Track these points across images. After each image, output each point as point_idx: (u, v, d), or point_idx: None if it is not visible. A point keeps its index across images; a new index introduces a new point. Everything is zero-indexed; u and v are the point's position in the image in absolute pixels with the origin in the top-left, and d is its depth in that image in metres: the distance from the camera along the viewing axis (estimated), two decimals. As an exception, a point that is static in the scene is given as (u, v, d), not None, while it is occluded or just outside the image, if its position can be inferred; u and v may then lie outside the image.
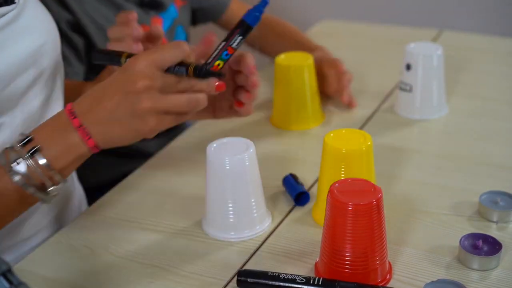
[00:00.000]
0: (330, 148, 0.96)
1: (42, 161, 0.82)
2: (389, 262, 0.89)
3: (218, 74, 0.88)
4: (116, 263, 0.94)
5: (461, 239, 0.91)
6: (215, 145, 0.97)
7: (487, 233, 0.92)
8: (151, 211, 1.06)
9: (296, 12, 2.54)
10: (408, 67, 1.27)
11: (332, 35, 1.76)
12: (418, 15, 2.34)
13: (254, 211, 0.97)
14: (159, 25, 1.12)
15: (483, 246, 0.90)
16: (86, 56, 1.31)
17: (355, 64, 1.59)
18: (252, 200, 0.97)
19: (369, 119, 1.31)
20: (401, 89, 1.30)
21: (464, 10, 2.25)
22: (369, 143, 0.96)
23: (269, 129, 1.30)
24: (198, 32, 1.66)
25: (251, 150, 0.96)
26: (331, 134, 0.98)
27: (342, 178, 0.93)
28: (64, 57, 1.23)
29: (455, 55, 1.54)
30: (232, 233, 0.97)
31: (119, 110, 0.82)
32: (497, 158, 1.16)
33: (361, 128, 1.28)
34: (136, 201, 1.09)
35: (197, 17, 1.58)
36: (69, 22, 1.27)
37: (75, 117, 0.83)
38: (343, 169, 0.95)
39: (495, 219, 0.98)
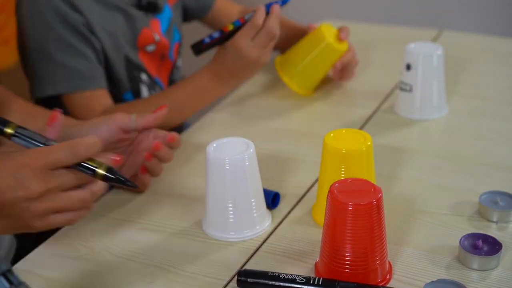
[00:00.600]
0: (330, 148, 0.96)
1: None
2: (389, 262, 0.89)
3: (129, 184, 0.82)
4: (116, 263, 0.94)
5: (461, 239, 0.91)
6: (215, 145, 0.97)
7: (487, 233, 0.92)
8: (151, 211, 1.06)
9: (297, 11, 2.54)
10: (408, 67, 1.27)
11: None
12: (418, 15, 2.34)
13: (254, 211, 0.97)
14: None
15: (483, 246, 0.90)
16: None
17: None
18: (252, 200, 0.97)
19: (369, 119, 1.31)
20: (401, 89, 1.30)
21: (464, 10, 2.25)
22: (369, 143, 0.96)
23: (267, 129, 1.30)
24: (189, 30, 1.67)
25: (251, 150, 0.95)
26: (331, 134, 0.98)
27: (342, 178, 0.93)
28: (86, 57, 1.28)
29: (455, 55, 1.54)
30: (232, 233, 0.97)
31: (4, 211, 0.78)
32: (497, 158, 1.16)
33: (361, 128, 1.28)
34: (136, 201, 1.09)
35: (185, 15, 1.59)
36: (85, 26, 1.28)
37: None
38: (343, 169, 0.95)
39: (495, 219, 0.98)
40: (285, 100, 1.42)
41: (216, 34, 1.29)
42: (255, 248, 0.95)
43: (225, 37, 1.29)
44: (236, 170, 0.94)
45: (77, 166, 0.79)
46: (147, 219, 1.04)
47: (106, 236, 1.00)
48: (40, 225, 0.79)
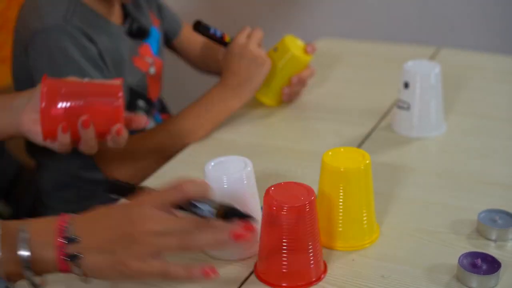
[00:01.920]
0: (329, 167, 0.96)
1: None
2: (324, 262, 0.93)
3: (248, 217, 0.82)
4: (116, 282, 0.94)
5: (460, 258, 0.90)
6: (212, 163, 0.97)
7: (486, 252, 0.92)
8: (149, 229, 1.05)
9: (295, 30, 2.55)
10: (406, 85, 1.27)
11: (330, 53, 1.76)
12: (416, 33, 2.35)
13: (253, 229, 0.97)
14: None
15: (482, 264, 0.89)
16: None
17: (353, 82, 1.59)
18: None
19: (367, 137, 1.31)
20: (399, 107, 1.30)
21: (462, 28, 2.26)
22: (367, 161, 0.96)
23: (266, 147, 1.30)
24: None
25: (249, 169, 0.96)
26: (330, 153, 0.98)
27: (340, 197, 0.94)
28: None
29: (453, 73, 1.54)
30: (231, 251, 0.97)
31: (112, 247, 0.78)
32: (495, 176, 1.16)
33: (359, 146, 1.28)
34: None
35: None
36: (100, 57, 1.29)
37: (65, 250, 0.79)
38: (341, 188, 0.95)
39: (493, 238, 0.97)
40: (283, 119, 1.42)
41: (218, 33, 1.36)
42: (253, 266, 0.95)
43: (220, 43, 1.36)
44: (234, 188, 0.94)
45: (193, 206, 0.81)
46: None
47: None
48: (138, 266, 0.78)
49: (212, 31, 1.37)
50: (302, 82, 1.44)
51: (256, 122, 1.42)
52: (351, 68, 1.67)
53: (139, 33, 1.42)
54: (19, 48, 1.29)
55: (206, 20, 1.39)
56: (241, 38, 1.35)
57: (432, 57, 1.69)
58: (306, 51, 1.41)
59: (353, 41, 1.90)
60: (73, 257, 0.78)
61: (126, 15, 1.42)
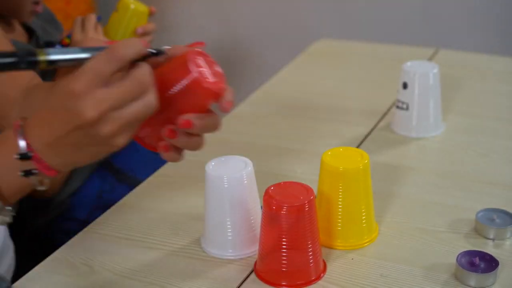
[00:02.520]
0: (328, 167, 0.96)
1: None
2: (324, 261, 0.94)
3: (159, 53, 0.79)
4: (115, 281, 0.95)
5: (458, 256, 0.91)
6: (213, 163, 0.98)
7: (484, 250, 0.93)
8: (150, 229, 1.06)
9: (294, 31, 2.55)
10: (405, 85, 1.28)
11: (329, 54, 1.77)
12: (415, 34, 2.35)
13: (252, 229, 0.98)
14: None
15: (480, 263, 0.90)
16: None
17: (353, 82, 1.60)
18: (251, 217, 0.97)
19: (366, 137, 1.32)
20: (398, 107, 1.31)
21: (461, 29, 2.26)
22: (366, 161, 0.96)
23: (265, 147, 1.31)
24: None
25: (249, 169, 0.96)
26: (329, 153, 0.98)
27: (340, 197, 0.94)
28: None
29: (452, 73, 1.55)
30: (231, 250, 0.97)
31: (79, 143, 0.76)
32: (493, 175, 1.16)
33: (358, 146, 1.28)
34: (135, 219, 1.09)
35: None
36: None
37: (32, 151, 0.77)
38: (340, 188, 0.96)
39: (491, 236, 0.98)
40: (283, 119, 1.43)
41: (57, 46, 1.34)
42: (253, 265, 0.96)
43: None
44: (234, 188, 0.95)
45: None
46: (146, 237, 1.04)
47: (105, 254, 1.00)
48: (121, 142, 0.76)
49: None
50: (148, 34, 1.51)
51: (256, 122, 1.42)
52: (351, 69, 1.68)
53: (49, 46, 1.42)
54: None
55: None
56: (77, 34, 1.36)
57: (431, 58, 1.70)
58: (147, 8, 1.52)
59: (353, 42, 1.91)
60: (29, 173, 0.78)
61: (30, 32, 1.41)
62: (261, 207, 0.92)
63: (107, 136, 0.74)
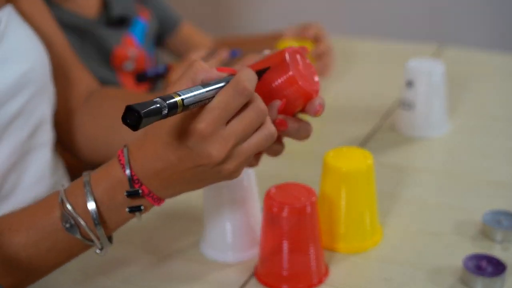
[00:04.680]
0: (330, 167, 0.95)
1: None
2: (326, 264, 0.92)
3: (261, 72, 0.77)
4: (111, 286, 0.93)
5: (464, 260, 0.89)
6: (212, 164, 0.96)
7: (491, 253, 0.90)
8: (148, 231, 1.04)
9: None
10: (409, 84, 1.26)
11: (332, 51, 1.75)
12: (418, 30, 2.34)
13: (253, 231, 0.96)
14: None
15: (487, 267, 0.88)
16: None
17: (355, 80, 1.58)
18: (251, 220, 0.96)
19: (369, 136, 1.30)
20: (402, 106, 1.29)
21: (466, 25, 2.25)
22: (369, 161, 0.95)
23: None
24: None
25: (249, 170, 0.95)
26: (331, 153, 0.97)
27: (342, 198, 0.92)
28: None
29: (457, 71, 1.53)
30: (230, 254, 0.96)
31: (196, 177, 0.75)
32: (500, 176, 1.14)
33: (361, 146, 1.26)
34: (132, 222, 1.07)
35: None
36: None
37: (141, 185, 0.76)
38: (343, 189, 0.94)
39: (498, 239, 0.96)
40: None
41: (161, 69, 1.26)
42: (253, 269, 0.94)
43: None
44: (234, 190, 0.93)
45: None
46: (143, 240, 1.02)
47: (101, 259, 0.98)
48: (238, 175, 0.77)
49: (152, 73, 1.26)
50: (324, 54, 1.44)
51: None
52: (354, 67, 1.66)
53: (120, 22, 1.39)
54: None
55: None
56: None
57: (435, 55, 1.68)
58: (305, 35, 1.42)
59: (356, 40, 1.89)
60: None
61: (105, 2, 1.38)
62: (262, 209, 0.90)
63: (229, 172, 0.74)
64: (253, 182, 0.95)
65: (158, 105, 0.65)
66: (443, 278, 0.89)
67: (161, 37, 1.57)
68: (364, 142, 1.28)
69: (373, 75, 1.62)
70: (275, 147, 0.86)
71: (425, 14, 2.36)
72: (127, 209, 0.78)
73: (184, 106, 0.68)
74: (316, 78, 0.82)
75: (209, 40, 1.61)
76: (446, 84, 1.28)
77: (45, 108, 1.02)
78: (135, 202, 0.78)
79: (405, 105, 1.28)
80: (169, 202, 1.11)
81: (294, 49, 0.80)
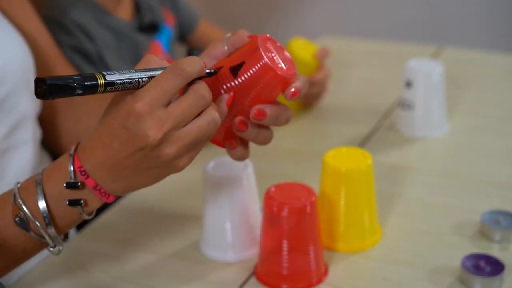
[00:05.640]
0: (330, 167, 0.95)
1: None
2: (325, 264, 0.92)
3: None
4: (112, 285, 0.93)
5: (463, 260, 0.89)
6: (212, 164, 0.96)
7: (489, 253, 0.91)
8: (148, 231, 1.05)
9: (296, 28, 2.54)
10: (408, 84, 1.26)
11: (331, 52, 1.75)
12: (418, 30, 2.34)
13: (253, 230, 0.96)
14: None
15: (486, 266, 0.88)
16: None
17: (355, 80, 1.58)
18: (251, 219, 0.96)
19: (369, 136, 1.30)
20: (401, 106, 1.29)
21: (465, 25, 2.25)
22: (369, 161, 0.95)
23: (266, 147, 1.29)
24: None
25: (249, 169, 0.95)
26: (331, 153, 0.97)
27: (342, 198, 0.93)
28: None
29: (456, 71, 1.53)
30: (230, 253, 0.96)
31: (139, 166, 0.73)
32: (499, 176, 1.14)
33: (361, 146, 1.26)
34: (132, 222, 1.08)
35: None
36: (73, 47, 1.26)
37: (88, 177, 0.74)
38: (343, 189, 0.94)
39: (497, 239, 0.96)
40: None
41: None
42: (253, 268, 0.94)
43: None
44: (233, 189, 0.93)
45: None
46: (144, 239, 1.03)
47: (101, 257, 0.99)
48: (184, 163, 0.74)
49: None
50: (316, 85, 1.36)
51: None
52: (352, 67, 1.66)
53: (150, 28, 1.39)
54: None
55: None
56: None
57: (434, 55, 1.68)
58: (315, 55, 1.35)
59: (354, 39, 1.89)
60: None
61: (138, 8, 1.39)
62: (261, 208, 0.90)
63: (170, 157, 0.72)
64: (253, 182, 0.96)
65: (70, 80, 0.67)
66: (442, 278, 0.90)
67: (182, 36, 1.58)
68: (363, 142, 1.28)
69: (373, 75, 1.62)
70: (263, 134, 0.83)
71: (424, 15, 2.36)
72: (67, 202, 0.75)
73: (107, 86, 0.69)
74: (291, 62, 0.80)
75: (225, 34, 1.61)
76: (445, 84, 1.28)
77: (27, 105, 1.01)
78: (77, 195, 0.75)
79: (405, 105, 1.28)
80: (169, 202, 1.11)
81: (264, 37, 0.79)
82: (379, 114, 1.39)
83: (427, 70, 1.26)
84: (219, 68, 0.78)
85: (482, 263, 0.88)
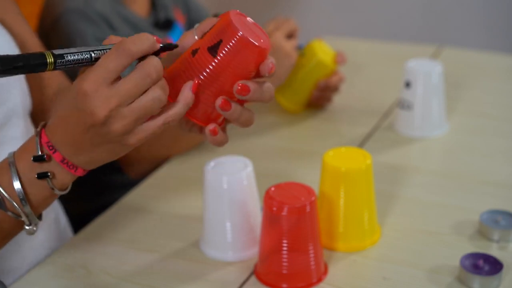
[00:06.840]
0: (329, 167, 0.95)
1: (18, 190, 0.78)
2: (325, 263, 0.92)
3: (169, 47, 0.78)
4: (112, 284, 0.93)
5: (461, 259, 0.89)
6: (212, 164, 0.96)
7: (488, 253, 0.91)
8: (148, 231, 1.05)
9: (296, 29, 2.54)
10: (408, 84, 1.26)
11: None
12: (417, 31, 2.34)
13: (253, 230, 0.96)
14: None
15: (484, 265, 0.89)
16: None
17: (354, 80, 1.58)
18: (251, 219, 0.96)
19: (368, 136, 1.31)
20: (401, 106, 1.29)
21: (464, 26, 2.25)
22: (368, 161, 0.95)
23: (266, 147, 1.29)
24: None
25: (249, 169, 0.95)
26: (330, 153, 0.97)
27: (341, 198, 0.93)
28: None
29: (455, 71, 1.53)
30: (230, 253, 0.96)
31: (94, 141, 0.76)
32: (498, 176, 1.15)
33: (360, 146, 1.27)
34: (133, 221, 1.08)
35: None
36: (97, 38, 1.26)
37: (55, 151, 0.77)
38: (342, 188, 0.94)
39: (496, 238, 0.97)
40: (283, 118, 1.41)
41: None
42: (253, 268, 0.94)
43: None
44: (234, 189, 0.94)
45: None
46: (144, 239, 1.03)
47: (102, 256, 0.99)
48: (134, 141, 0.75)
49: None
50: (330, 88, 1.37)
51: (256, 122, 1.40)
52: (352, 67, 1.66)
53: (165, 25, 1.40)
54: (43, 36, 1.29)
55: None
56: (268, 28, 1.24)
57: (433, 56, 1.68)
58: (334, 60, 1.35)
59: (354, 40, 1.89)
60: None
61: (153, 5, 1.40)
62: (261, 208, 0.90)
63: (118, 133, 0.74)
64: (253, 182, 0.96)
65: (18, 57, 0.70)
66: (441, 277, 0.90)
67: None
68: (363, 142, 1.28)
69: (372, 75, 1.62)
70: (244, 115, 0.83)
71: (424, 15, 2.36)
72: (35, 175, 0.78)
73: (57, 62, 0.72)
74: (265, 34, 0.79)
75: None
76: (445, 85, 1.28)
77: (15, 102, 1.02)
78: (46, 168, 0.78)
79: (404, 105, 1.28)
80: (169, 202, 1.12)
81: (236, 12, 0.78)
82: (378, 114, 1.39)
83: (427, 70, 1.26)
84: (196, 50, 0.78)
85: (480, 262, 0.89)
